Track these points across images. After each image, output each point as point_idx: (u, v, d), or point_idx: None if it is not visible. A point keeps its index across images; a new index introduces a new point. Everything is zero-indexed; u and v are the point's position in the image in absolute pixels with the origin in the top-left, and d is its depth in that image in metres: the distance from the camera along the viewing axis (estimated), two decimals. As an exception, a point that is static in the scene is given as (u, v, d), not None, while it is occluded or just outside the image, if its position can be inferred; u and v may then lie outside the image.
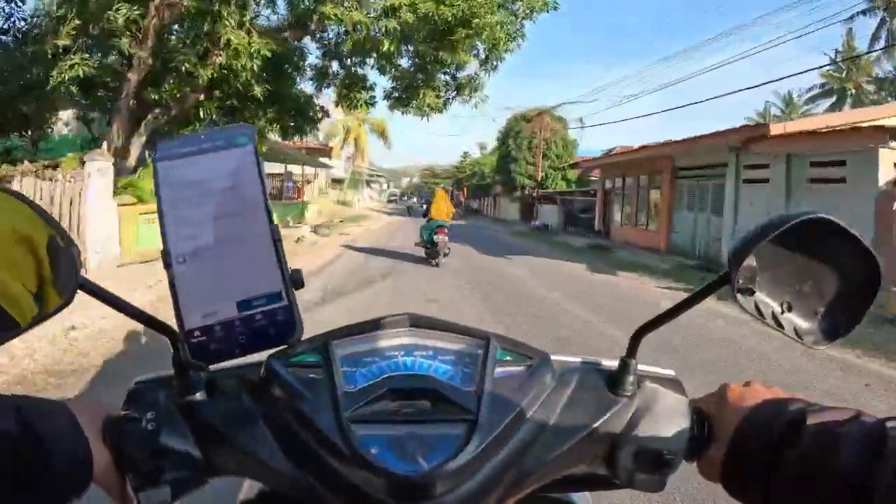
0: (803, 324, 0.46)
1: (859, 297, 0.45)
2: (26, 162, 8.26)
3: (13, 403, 0.38)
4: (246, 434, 0.45)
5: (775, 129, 10.19)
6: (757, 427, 0.41)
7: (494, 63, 10.34)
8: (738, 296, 0.44)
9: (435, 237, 10.19)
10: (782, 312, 0.46)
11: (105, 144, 8.47)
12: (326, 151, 29.10)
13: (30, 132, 10.94)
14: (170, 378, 0.46)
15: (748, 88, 40.96)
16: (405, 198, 69.36)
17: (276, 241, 0.42)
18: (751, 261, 0.43)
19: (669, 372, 0.51)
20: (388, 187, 74.90)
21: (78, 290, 0.41)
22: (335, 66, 11.13)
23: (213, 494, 0.55)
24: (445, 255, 10.49)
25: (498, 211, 39.85)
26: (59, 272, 0.41)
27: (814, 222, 0.42)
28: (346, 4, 8.70)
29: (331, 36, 10.49)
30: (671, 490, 2.26)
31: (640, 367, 0.49)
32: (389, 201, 55.81)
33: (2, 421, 0.36)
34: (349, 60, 10.92)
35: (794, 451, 0.38)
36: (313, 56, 11.36)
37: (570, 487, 0.54)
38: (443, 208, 10.65)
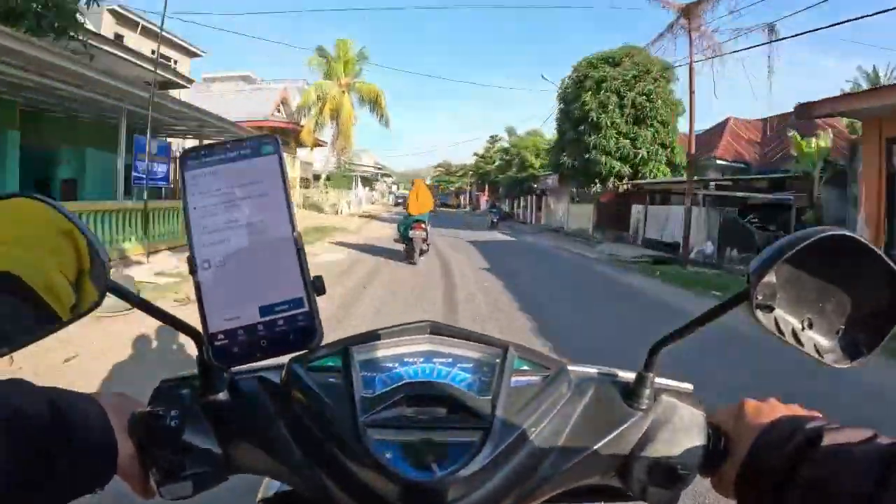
0: (824, 342, 0.45)
1: (882, 316, 0.44)
2: None
3: (47, 396, 0.39)
4: (266, 434, 0.46)
5: None
6: (773, 444, 0.41)
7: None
8: (758, 312, 0.43)
9: (411, 232, 9.62)
10: (802, 330, 0.45)
11: None
12: (295, 131, 22.06)
13: None
14: (194, 378, 0.47)
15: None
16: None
17: (299, 248, 0.43)
18: (771, 277, 0.43)
19: (687, 386, 0.51)
20: (398, 189, 67.00)
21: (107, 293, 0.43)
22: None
23: (233, 491, 0.56)
24: (423, 251, 9.90)
25: (548, 215, 27.78)
26: (94, 272, 0.43)
27: (835, 239, 0.41)
28: None
29: None
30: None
31: (657, 380, 0.49)
32: (396, 204, 46.50)
33: (35, 407, 0.38)
34: None
35: (808, 470, 0.38)
36: None
37: (582, 498, 0.54)
38: (421, 202, 9.94)
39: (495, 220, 24.96)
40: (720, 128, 17.83)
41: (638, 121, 18.29)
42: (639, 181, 17.99)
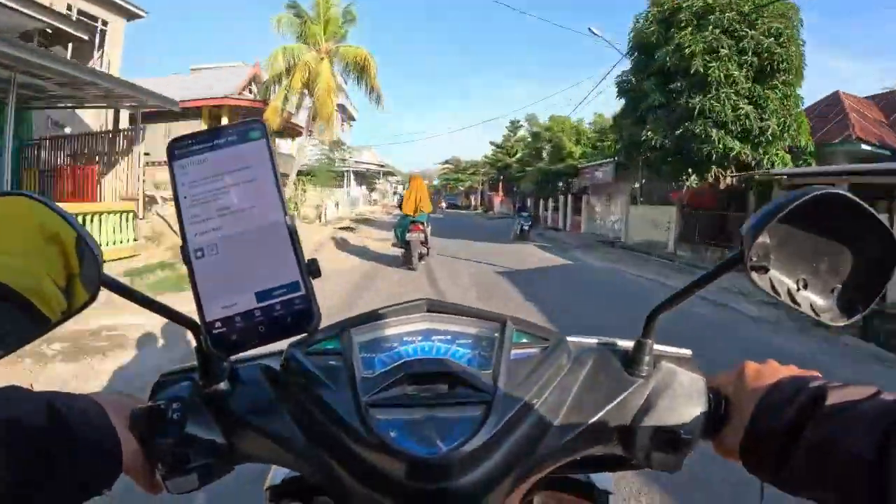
0: (820, 301, 0.46)
1: (876, 273, 0.44)
2: None
3: (44, 399, 0.39)
4: (269, 421, 0.46)
5: None
6: (775, 405, 0.41)
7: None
8: (753, 274, 0.43)
9: (408, 235, 8.61)
10: (798, 290, 0.46)
11: None
12: (258, 108, 16.06)
13: None
14: (193, 369, 0.47)
15: None
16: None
17: (292, 232, 0.43)
18: (764, 238, 0.43)
19: (685, 351, 0.51)
20: (404, 188, 62.61)
21: (101, 287, 0.42)
22: None
23: (239, 481, 0.56)
24: (423, 255, 8.80)
25: (591, 221, 20.16)
26: (84, 269, 0.43)
27: (827, 198, 0.42)
28: None
29: None
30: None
31: (655, 346, 0.49)
32: (400, 206, 29.48)
33: (34, 416, 0.38)
34: None
35: (811, 429, 0.38)
36: None
37: (587, 468, 0.55)
38: (418, 201, 8.93)
39: (525, 228, 17.11)
40: (831, 104, 13.19)
41: (760, 77, 10.96)
42: (773, 171, 10.70)
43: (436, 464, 0.40)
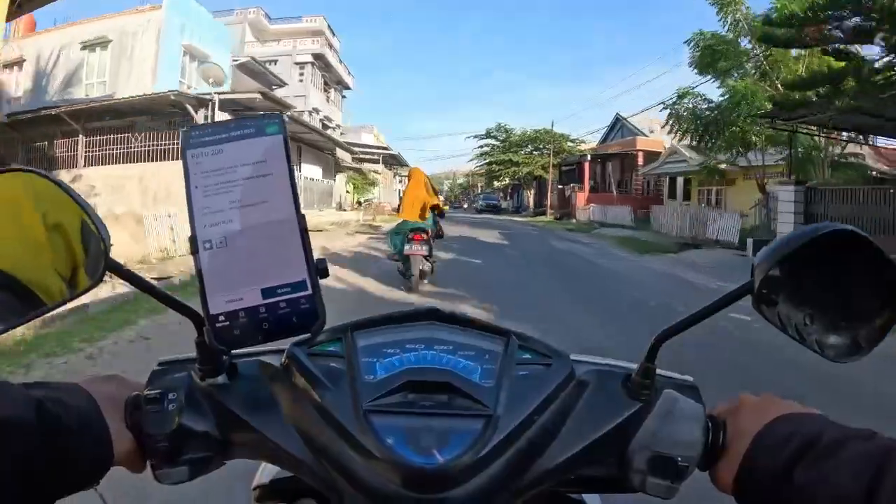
0: (826, 337, 0.46)
1: (883, 312, 0.44)
2: None
3: (31, 396, 0.38)
4: (265, 419, 0.46)
5: None
6: (771, 442, 0.41)
7: None
8: (762, 306, 0.44)
9: (407, 247, 6.43)
10: (805, 325, 0.46)
11: None
12: None
13: None
14: (192, 360, 0.47)
15: None
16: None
17: (303, 230, 0.43)
18: (775, 271, 0.43)
19: (688, 378, 0.51)
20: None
21: (107, 272, 0.42)
22: None
23: (230, 476, 0.56)
24: (425, 274, 6.68)
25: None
26: (89, 254, 0.42)
27: (839, 234, 0.42)
28: None
29: None
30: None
31: (658, 371, 0.49)
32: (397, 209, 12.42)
33: (22, 411, 0.37)
34: None
35: (803, 470, 0.38)
36: None
37: (582, 488, 0.54)
38: (419, 200, 6.70)
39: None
40: None
41: None
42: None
43: (432, 473, 0.40)
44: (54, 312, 0.48)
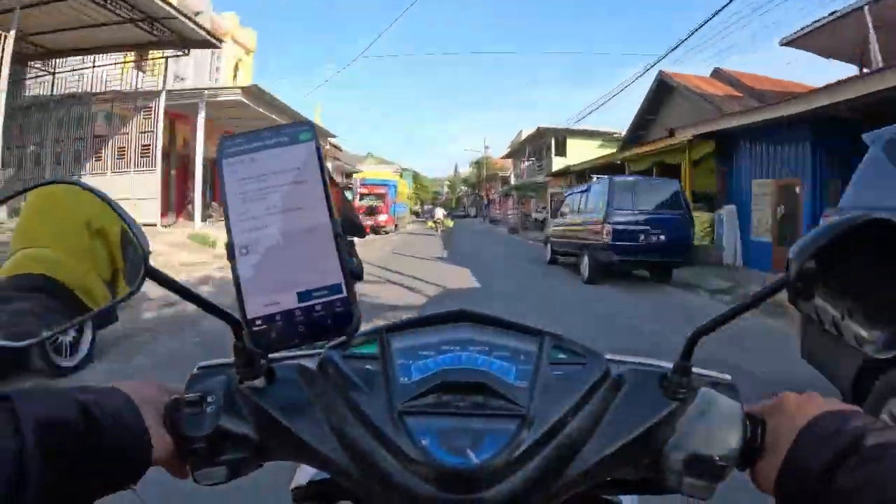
0: (864, 331, 0.45)
1: None
2: None
3: (74, 398, 0.40)
4: (302, 421, 0.46)
5: None
6: (815, 441, 0.40)
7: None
8: (798, 300, 0.43)
9: None
10: (843, 319, 0.45)
11: None
12: None
13: None
14: (230, 365, 0.48)
15: None
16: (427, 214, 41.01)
17: (337, 234, 0.44)
18: (810, 264, 0.42)
19: (726, 376, 0.50)
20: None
21: (146, 279, 0.43)
22: None
23: (268, 477, 0.57)
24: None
25: None
26: (129, 262, 0.44)
27: (877, 224, 0.41)
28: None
29: None
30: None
31: (694, 370, 0.48)
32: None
33: (65, 410, 0.38)
34: None
35: (847, 472, 0.37)
36: None
37: (618, 489, 0.54)
38: None
39: None
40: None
41: None
42: None
43: (466, 474, 0.40)
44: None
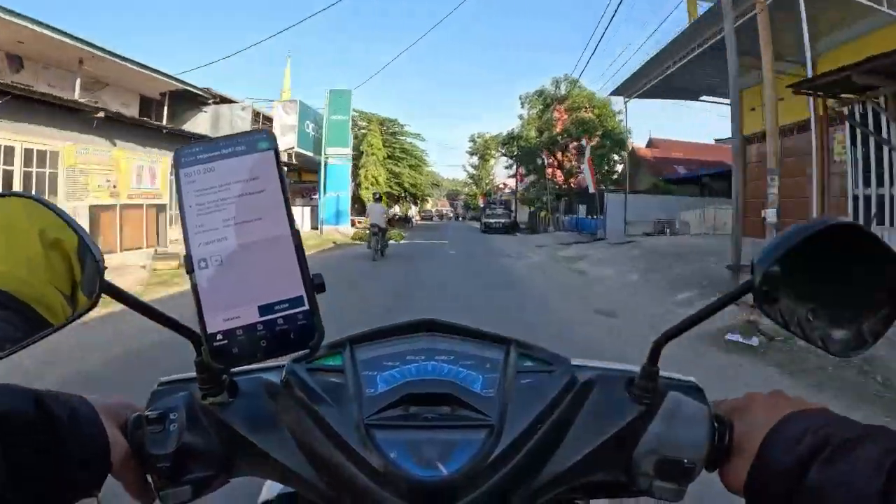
0: (829, 332, 0.45)
1: (886, 305, 0.44)
2: None
3: (32, 395, 0.39)
4: (267, 436, 0.45)
5: None
6: (783, 442, 0.41)
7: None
8: (763, 303, 0.43)
9: None
10: (808, 320, 0.45)
11: None
12: None
13: None
14: (192, 380, 0.47)
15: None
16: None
17: (298, 246, 0.43)
18: (775, 268, 0.43)
19: (691, 379, 0.50)
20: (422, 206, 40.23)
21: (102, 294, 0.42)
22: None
23: (234, 495, 0.56)
24: None
25: None
26: (86, 273, 0.42)
27: (838, 228, 0.41)
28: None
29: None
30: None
31: (660, 373, 0.48)
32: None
33: (21, 404, 0.37)
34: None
35: (817, 470, 0.37)
36: None
37: (589, 494, 0.54)
38: None
39: None
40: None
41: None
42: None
43: (436, 486, 0.39)
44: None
